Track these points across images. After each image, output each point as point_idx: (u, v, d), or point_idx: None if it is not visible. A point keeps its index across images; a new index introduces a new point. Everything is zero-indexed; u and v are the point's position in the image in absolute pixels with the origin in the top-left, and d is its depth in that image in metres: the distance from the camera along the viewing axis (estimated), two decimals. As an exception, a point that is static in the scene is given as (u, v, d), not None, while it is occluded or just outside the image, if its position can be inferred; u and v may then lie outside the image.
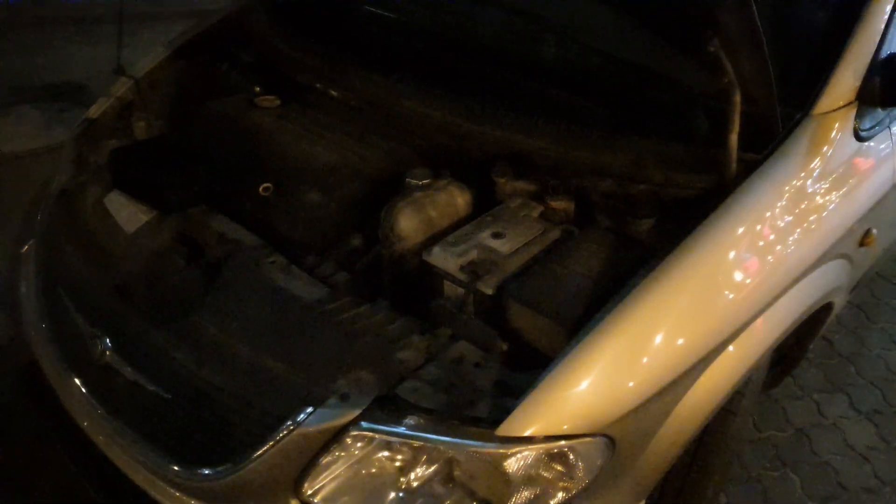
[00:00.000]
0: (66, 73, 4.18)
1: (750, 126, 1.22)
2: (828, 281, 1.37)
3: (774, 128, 1.24)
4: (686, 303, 1.11)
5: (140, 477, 1.21)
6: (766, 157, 1.23)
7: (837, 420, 2.11)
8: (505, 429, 1.02)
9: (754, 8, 1.02)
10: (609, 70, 1.48)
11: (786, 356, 1.75)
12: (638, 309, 1.08)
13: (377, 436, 1.06)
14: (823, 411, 2.14)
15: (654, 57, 1.38)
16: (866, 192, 1.40)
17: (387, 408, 1.07)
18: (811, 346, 1.72)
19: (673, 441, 1.15)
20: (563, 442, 1.03)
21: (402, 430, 1.05)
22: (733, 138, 1.17)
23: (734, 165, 1.20)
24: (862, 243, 1.48)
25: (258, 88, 1.73)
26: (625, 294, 1.09)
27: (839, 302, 1.56)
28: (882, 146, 1.44)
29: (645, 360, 1.07)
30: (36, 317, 1.49)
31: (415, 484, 1.08)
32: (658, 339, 1.08)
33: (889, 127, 1.47)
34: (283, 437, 1.07)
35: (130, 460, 1.23)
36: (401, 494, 1.08)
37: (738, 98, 1.14)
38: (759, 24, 1.05)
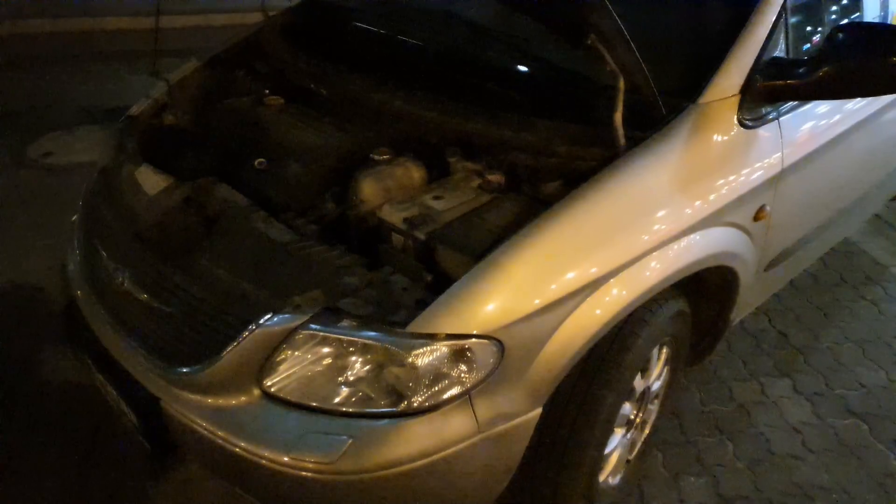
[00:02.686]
0: (128, 99, 4.72)
1: (640, 110, 1.52)
2: (715, 243, 1.62)
3: (658, 111, 1.53)
4: (568, 238, 1.39)
5: (142, 375, 1.54)
6: (651, 135, 1.52)
7: (778, 399, 2.31)
8: (412, 327, 1.31)
9: (611, 10, 1.32)
10: (528, 67, 1.81)
11: (710, 329, 1.99)
12: (527, 240, 1.37)
13: (320, 334, 1.36)
14: (767, 391, 2.34)
15: (560, 55, 1.69)
16: (749, 172, 1.66)
17: (330, 315, 1.37)
18: (732, 318, 1.95)
19: (560, 354, 1.41)
20: (458, 341, 1.32)
21: (338, 330, 1.36)
22: (618, 117, 1.46)
23: (622, 140, 1.49)
24: (756, 218, 1.73)
25: (267, 91, 2.11)
26: (520, 233, 1.39)
27: (744, 271, 1.79)
28: (768, 135, 1.70)
29: (531, 280, 1.35)
30: (77, 263, 1.86)
31: (350, 378, 1.38)
32: (543, 265, 1.36)
33: (778, 119, 1.73)
34: (247, 336, 1.38)
35: (135, 363, 1.56)
36: (339, 385, 1.38)
37: (621, 84, 1.44)
38: (619, 23, 1.34)
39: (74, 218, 2.09)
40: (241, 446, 1.39)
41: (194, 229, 1.66)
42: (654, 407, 1.95)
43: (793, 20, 1.77)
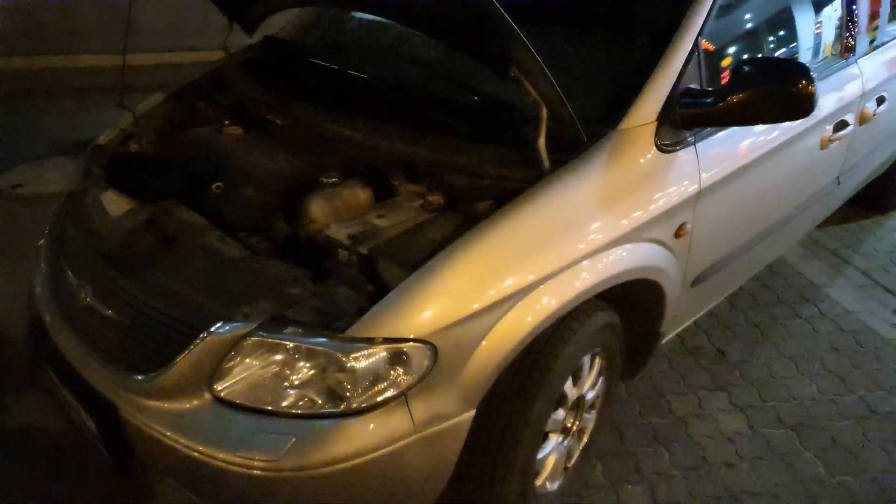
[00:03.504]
0: (96, 132, 4.84)
1: (564, 137, 1.68)
2: (637, 257, 1.76)
3: (580, 136, 1.68)
4: (495, 249, 1.52)
5: (100, 384, 1.63)
6: (573, 158, 1.68)
7: (714, 411, 2.44)
8: (351, 332, 1.43)
9: (529, 45, 1.47)
10: (463, 97, 1.97)
11: (642, 342, 2.12)
12: (458, 252, 1.50)
13: (267, 340, 1.47)
14: (703, 404, 2.47)
15: (491, 86, 1.85)
16: (668, 192, 1.81)
17: (276, 323, 1.48)
18: (663, 331, 2.09)
19: (490, 358, 1.53)
20: (395, 344, 1.44)
21: (283, 336, 1.46)
22: (542, 142, 1.61)
23: (546, 163, 1.64)
24: (677, 235, 1.88)
25: (227, 122, 2.24)
26: (452, 246, 1.52)
27: (669, 286, 1.93)
28: (686, 158, 1.86)
29: (461, 288, 1.47)
30: (42, 283, 1.95)
31: (295, 381, 1.48)
32: (473, 274, 1.49)
33: (695, 145, 1.89)
34: (199, 343, 1.48)
35: (94, 373, 1.65)
36: (285, 388, 1.48)
37: (543, 112, 1.60)
38: (537, 57, 1.50)
39: (41, 242, 2.18)
40: (192, 447, 1.48)
41: (154, 247, 1.77)
42: (590, 416, 2.07)
43: (707, 53, 1.95)
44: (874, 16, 2.77)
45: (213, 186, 1.92)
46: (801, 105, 1.73)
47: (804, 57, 2.40)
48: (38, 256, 2.12)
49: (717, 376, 2.60)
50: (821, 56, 2.49)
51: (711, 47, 1.97)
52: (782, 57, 2.25)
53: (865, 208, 3.83)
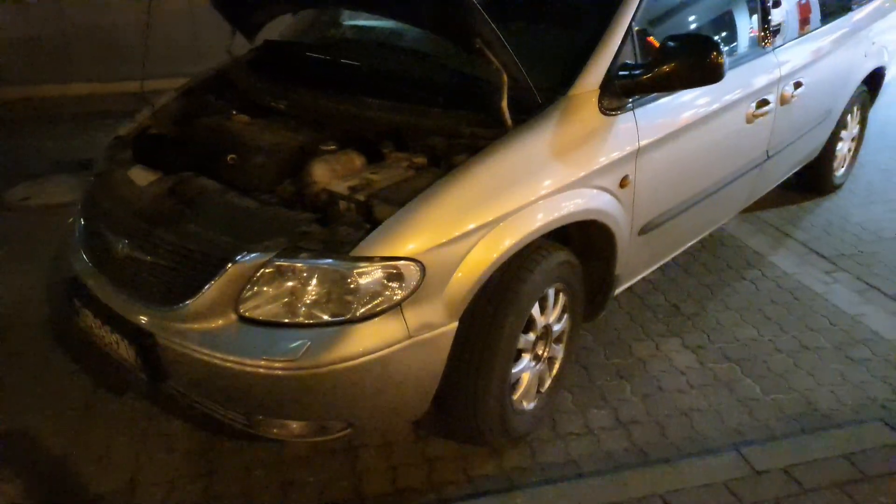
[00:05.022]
0: (95, 153, 5.16)
1: (524, 101, 2.04)
2: (587, 201, 2.11)
3: (534, 101, 2.04)
4: (468, 188, 1.87)
5: (138, 319, 1.93)
6: (531, 117, 2.04)
7: (669, 352, 2.78)
8: (354, 252, 1.76)
9: (489, 20, 1.84)
10: (439, 73, 2.34)
11: (601, 285, 2.47)
12: (438, 190, 1.84)
13: (285, 265, 1.79)
14: (660, 347, 2.81)
15: (462, 62, 2.21)
16: (608, 148, 2.17)
17: (291, 251, 1.80)
18: (618, 274, 2.43)
19: (468, 277, 1.86)
20: (390, 262, 1.76)
21: (298, 260, 1.78)
22: (504, 105, 1.97)
23: (509, 122, 1.99)
24: (622, 185, 2.24)
25: (234, 111, 2.57)
26: (433, 186, 1.86)
27: (618, 230, 2.27)
28: (626, 121, 2.23)
29: (442, 218, 1.82)
30: (76, 247, 2.26)
31: (308, 299, 1.80)
32: (451, 207, 1.83)
33: (633, 110, 2.26)
34: (226, 270, 1.80)
35: (135, 310, 1.95)
36: (299, 305, 1.79)
37: (504, 79, 1.96)
38: (498, 32, 1.86)
39: (71, 220, 2.48)
40: (222, 357, 1.78)
41: (180, 207, 2.09)
42: (559, 348, 2.39)
43: (640, 34, 2.33)
44: (792, 12, 3.20)
45: (228, 158, 2.25)
46: (712, 72, 2.10)
47: (726, 44, 2.82)
48: (70, 231, 2.43)
49: (673, 325, 2.95)
50: (742, 43, 2.90)
51: (648, 26, 2.36)
52: (700, 34, 2.63)
53: (804, 192, 4.24)
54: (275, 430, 1.95)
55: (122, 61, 6.05)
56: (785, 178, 3.71)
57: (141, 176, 2.25)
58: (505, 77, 1.96)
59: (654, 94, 2.33)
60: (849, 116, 4.08)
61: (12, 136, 5.39)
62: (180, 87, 2.77)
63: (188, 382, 1.96)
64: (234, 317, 1.82)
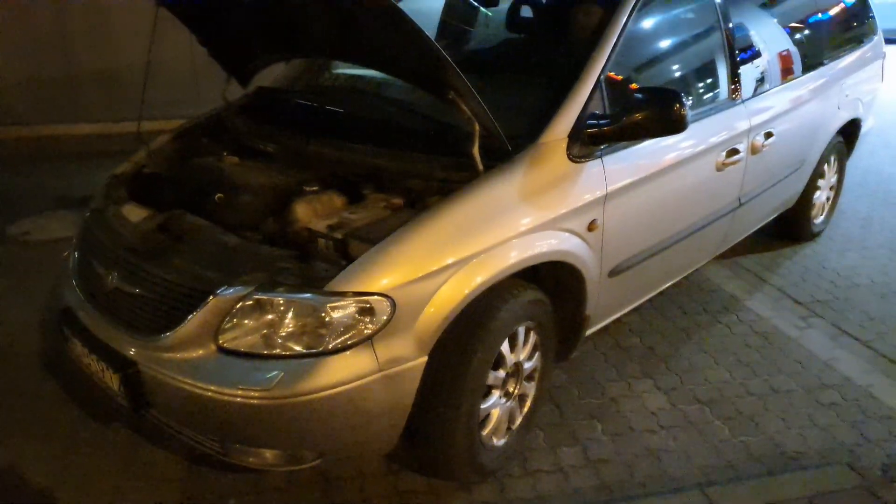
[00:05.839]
0: (96, 190, 5.33)
1: (495, 148, 2.16)
2: (555, 242, 2.21)
3: (504, 148, 2.17)
4: (438, 229, 1.98)
5: (123, 348, 2.03)
6: (500, 164, 2.16)
7: (641, 393, 2.85)
8: (328, 287, 1.86)
9: (461, 74, 1.97)
10: (416, 120, 2.47)
11: (572, 325, 2.55)
12: (409, 230, 1.95)
13: (263, 298, 1.88)
14: (633, 388, 2.88)
15: (437, 111, 2.34)
16: (576, 193, 2.29)
17: (269, 285, 1.90)
18: (588, 313, 2.52)
19: (438, 313, 1.95)
20: (362, 297, 1.86)
21: (275, 294, 1.89)
22: (476, 151, 2.09)
23: (480, 167, 2.11)
24: (590, 228, 2.35)
25: (226, 153, 2.71)
26: (406, 225, 1.98)
27: (587, 271, 2.37)
28: (594, 167, 2.35)
29: (413, 256, 1.92)
30: (70, 279, 2.36)
31: (284, 332, 1.89)
32: (421, 246, 1.94)
33: (601, 158, 2.39)
34: (207, 303, 1.90)
35: (120, 340, 2.05)
36: (276, 337, 1.88)
37: (476, 127, 2.09)
38: (468, 83, 1.99)
39: (66, 253, 2.60)
40: (199, 386, 1.87)
41: (168, 243, 2.20)
42: (530, 385, 2.47)
43: (609, 86, 2.46)
44: (763, 66, 3.36)
45: (216, 196, 2.37)
46: (675, 123, 2.23)
47: (696, 95, 2.96)
48: (65, 264, 2.54)
49: (646, 367, 3.03)
50: (711, 95, 3.04)
51: (617, 79, 2.50)
52: (664, 87, 2.77)
53: (783, 239, 4.35)
54: (250, 459, 2.03)
55: (128, 103, 6.26)
56: (760, 224, 3.81)
57: (133, 212, 2.37)
58: (477, 126, 2.08)
59: (623, 143, 2.46)
60: (825, 165, 4.20)
61: (18, 174, 5.55)
62: (176, 128, 2.91)
63: (168, 410, 2.04)
64: (213, 347, 1.91)
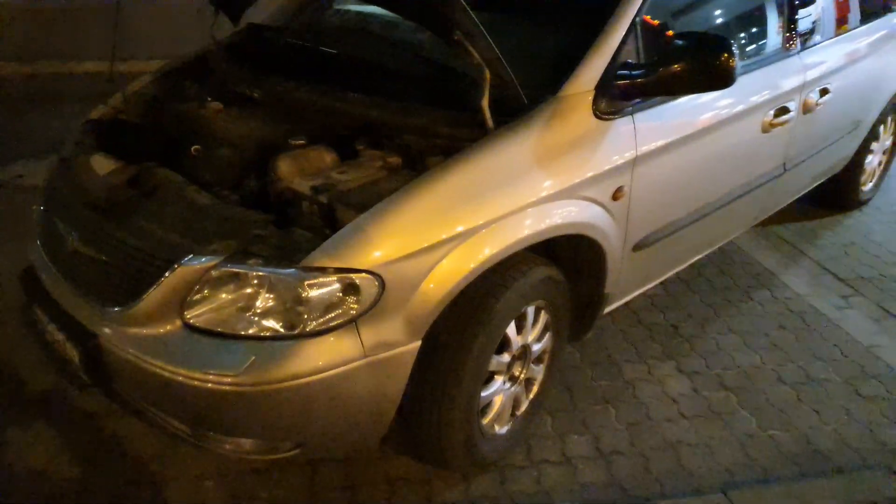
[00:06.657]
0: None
1: (508, 100, 1.86)
2: (573, 213, 1.93)
3: (519, 100, 1.87)
4: (438, 196, 1.71)
5: (83, 317, 1.81)
6: (514, 120, 1.86)
7: (662, 377, 2.59)
8: (305, 262, 1.60)
9: (469, 10, 1.67)
10: (417, 66, 2.17)
11: (589, 303, 2.29)
12: (404, 196, 1.68)
13: (233, 271, 1.64)
14: (653, 371, 2.63)
15: (441, 54, 2.04)
16: (604, 156, 1.99)
17: (240, 256, 1.66)
18: (607, 291, 2.25)
19: (434, 292, 1.69)
20: (346, 274, 1.61)
21: (246, 267, 1.64)
22: (485, 103, 1.80)
23: (490, 123, 1.82)
24: (615, 197, 2.06)
25: (210, 98, 2.43)
26: (400, 191, 1.70)
27: (608, 245, 2.09)
28: (624, 126, 2.04)
29: (407, 228, 1.65)
30: (34, 234, 2.14)
31: (256, 308, 1.65)
32: (417, 216, 1.67)
33: (633, 115, 2.07)
34: (171, 273, 1.66)
35: (80, 308, 1.83)
36: (247, 315, 1.64)
37: (486, 75, 1.78)
38: (478, 22, 1.69)
39: (34, 206, 2.36)
40: (161, 367, 1.65)
41: (135, 199, 1.95)
42: (538, 368, 2.22)
43: (646, 32, 2.13)
44: (829, 10, 2.98)
45: (192, 149, 2.11)
46: (722, 77, 1.90)
47: (744, 43, 2.60)
48: (34, 218, 2.31)
49: (669, 347, 2.76)
50: (762, 44, 2.68)
51: (654, 23, 2.15)
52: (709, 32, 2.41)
53: (825, 207, 4.00)
54: (226, 447, 1.81)
55: (129, 39, 5.98)
56: (804, 192, 3.48)
57: (102, 164, 2.11)
58: (487, 73, 1.78)
59: (658, 98, 2.14)
60: (881, 127, 3.83)
61: (14, 114, 5.33)
62: (157, 69, 2.63)
63: (131, 390, 1.83)
64: (179, 323, 1.68)
